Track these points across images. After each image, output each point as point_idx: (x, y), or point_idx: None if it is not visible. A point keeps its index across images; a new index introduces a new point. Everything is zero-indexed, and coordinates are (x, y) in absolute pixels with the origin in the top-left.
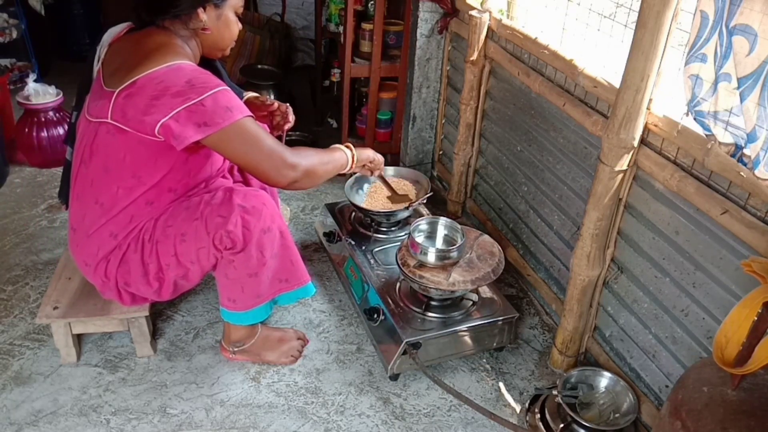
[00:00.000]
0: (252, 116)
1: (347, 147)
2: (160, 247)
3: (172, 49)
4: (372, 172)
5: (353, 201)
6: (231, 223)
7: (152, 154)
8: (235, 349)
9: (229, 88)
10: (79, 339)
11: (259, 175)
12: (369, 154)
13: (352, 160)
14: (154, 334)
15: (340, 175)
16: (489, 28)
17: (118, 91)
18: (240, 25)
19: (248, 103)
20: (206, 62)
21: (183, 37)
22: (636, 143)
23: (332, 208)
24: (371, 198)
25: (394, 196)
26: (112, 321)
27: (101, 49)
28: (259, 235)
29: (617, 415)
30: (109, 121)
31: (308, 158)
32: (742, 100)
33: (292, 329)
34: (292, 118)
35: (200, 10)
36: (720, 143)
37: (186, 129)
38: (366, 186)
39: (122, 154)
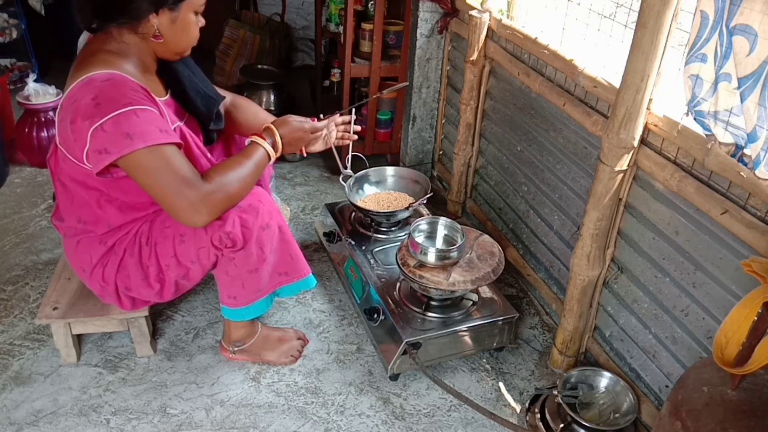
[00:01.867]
0: (162, 144)
1: (261, 136)
2: (158, 248)
3: (97, 57)
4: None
5: (353, 201)
6: (229, 224)
7: (107, 179)
8: (235, 349)
9: (140, 108)
10: (79, 339)
11: (169, 213)
12: (293, 128)
13: (274, 148)
14: (154, 334)
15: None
16: (489, 28)
17: (57, 115)
18: (202, 22)
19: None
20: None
21: (127, 43)
22: (636, 143)
23: (332, 208)
24: (372, 199)
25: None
26: (111, 321)
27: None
28: (258, 232)
29: (617, 415)
30: (59, 146)
31: (222, 189)
32: (742, 100)
33: (292, 329)
34: (352, 131)
35: (152, 16)
36: (720, 143)
37: (94, 156)
38: (366, 186)
39: (82, 177)
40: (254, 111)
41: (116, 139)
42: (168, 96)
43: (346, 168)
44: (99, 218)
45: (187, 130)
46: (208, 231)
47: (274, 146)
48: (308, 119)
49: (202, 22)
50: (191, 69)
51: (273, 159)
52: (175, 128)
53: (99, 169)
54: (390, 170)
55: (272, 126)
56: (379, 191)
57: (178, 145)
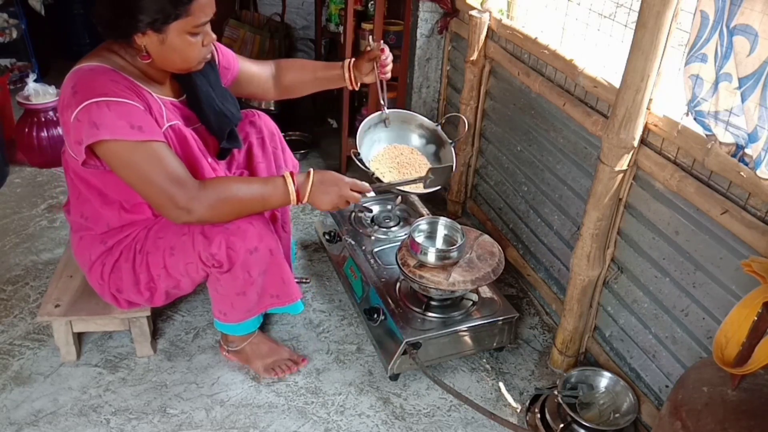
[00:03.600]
0: (134, 141)
1: (296, 185)
2: (150, 258)
3: (97, 53)
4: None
5: (365, 161)
6: (214, 245)
7: (101, 172)
8: (229, 348)
9: (114, 100)
10: (79, 338)
11: (154, 208)
12: (329, 180)
13: (299, 193)
14: (154, 334)
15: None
16: (489, 28)
17: None
18: (212, 37)
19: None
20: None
21: (126, 51)
22: (636, 143)
23: None
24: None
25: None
26: (113, 320)
27: None
28: (245, 256)
29: (617, 415)
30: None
31: (212, 198)
32: (743, 100)
33: (288, 348)
34: (387, 63)
35: (137, 36)
36: (720, 143)
37: (75, 147)
38: (382, 133)
39: (83, 173)
40: (300, 66)
41: (87, 129)
42: (179, 99)
43: (384, 105)
44: (100, 216)
45: (191, 133)
46: (196, 247)
47: (299, 190)
48: (354, 180)
49: (211, 37)
50: (211, 84)
51: (293, 203)
52: (172, 126)
53: (81, 160)
54: (422, 120)
55: (312, 171)
56: (397, 143)
57: (158, 142)
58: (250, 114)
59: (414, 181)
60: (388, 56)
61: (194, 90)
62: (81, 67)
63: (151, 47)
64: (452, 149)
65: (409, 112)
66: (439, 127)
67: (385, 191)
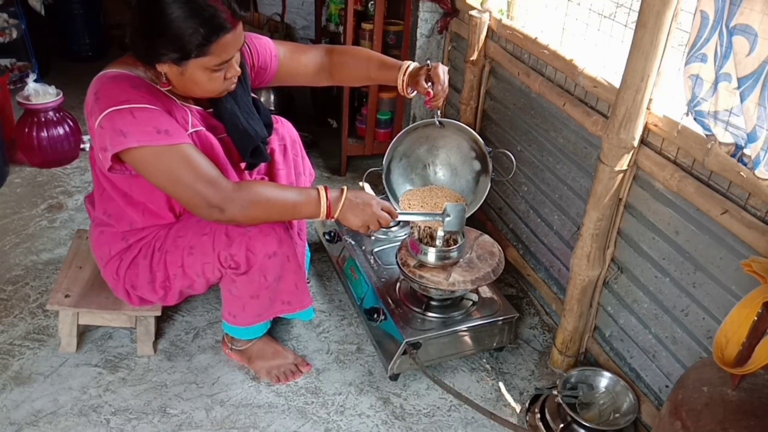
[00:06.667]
0: (162, 145)
1: (326, 190)
2: (168, 257)
3: (121, 60)
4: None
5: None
6: (235, 245)
7: (127, 177)
8: (232, 347)
9: (137, 107)
10: (79, 335)
11: (187, 208)
12: (364, 200)
13: (329, 209)
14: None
15: None
16: (489, 28)
17: None
18: (236, 71)
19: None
20: None
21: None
22: (636, 143)
23: None
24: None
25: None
26: (120, 316)
27: None
28: (263, 260)
29: (617, 415)
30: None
31: (246, 200)
32: (742, 100)
33: (292, 352)
34: (440, 90)
35: (158, 64)
36: (720, 143)
37: (101, 153)
38: (403, 171)
39: (112, 176)
40: (353, 59)
41: (112, 136)
42: (207, 111)
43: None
44: (123, 216)
45: (215, 139)
46: (215, 247)
47: (331, 205)
48: (386, 203)
49: (235, 70)
50: (238, 101)
51: (322, 217)
52: (197, 131)
53: (107, 167)
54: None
55: (345, 188)
56: (446, 186)
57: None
58: (273, 120)
59: (434, 216)
60: (439, 91)
61: (218, 107)
62: (105, 73)
63: (171, 76)
64: (489, 182)
65: (465, 126)
66: (491, 154)
67: (405, 219)
